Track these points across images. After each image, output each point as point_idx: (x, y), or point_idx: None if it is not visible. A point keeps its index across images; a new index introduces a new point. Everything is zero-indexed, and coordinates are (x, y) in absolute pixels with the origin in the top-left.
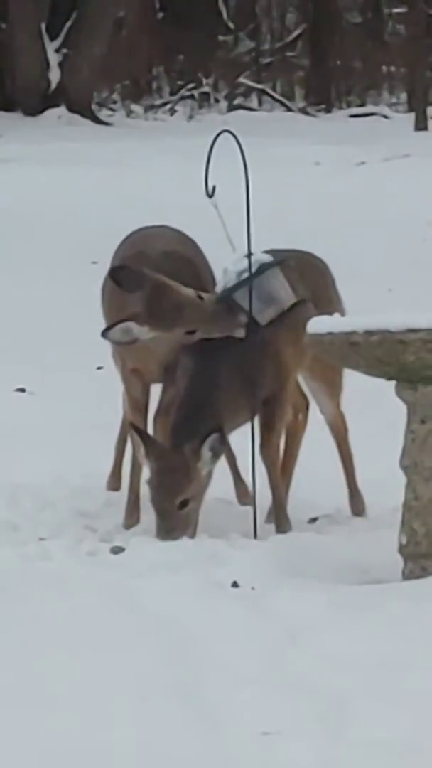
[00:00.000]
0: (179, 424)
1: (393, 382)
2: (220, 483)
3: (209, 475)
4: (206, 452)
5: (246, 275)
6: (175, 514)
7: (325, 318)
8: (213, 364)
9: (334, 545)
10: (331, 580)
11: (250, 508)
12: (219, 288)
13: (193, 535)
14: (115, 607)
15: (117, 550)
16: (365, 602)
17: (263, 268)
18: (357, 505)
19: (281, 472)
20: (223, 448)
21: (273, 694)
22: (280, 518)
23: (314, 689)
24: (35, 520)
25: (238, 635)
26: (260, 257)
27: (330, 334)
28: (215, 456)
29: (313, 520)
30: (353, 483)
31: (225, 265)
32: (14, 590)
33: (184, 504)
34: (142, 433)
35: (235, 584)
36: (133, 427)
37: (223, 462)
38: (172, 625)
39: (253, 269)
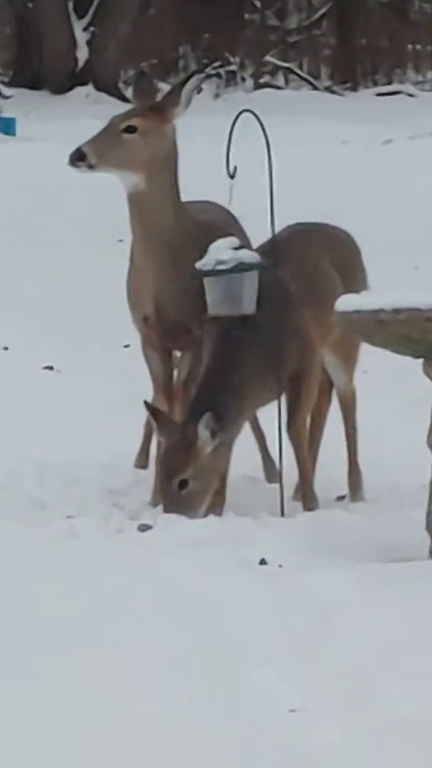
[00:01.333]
0: (197, 402)
1: (420, 360)
2: (247, 461)
3: (222, 454)
4: (203, 432)
5: (222, 267)
6: (175, 494)
7: (352, 296)
8: (235, 342)
9: (361, 523)
10: (359, 558)
11: (277, 486)
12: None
13: (220, 513)
14: (142, 585)
15: (144, 528)
16: (392, 580)
17: (251, 267)
18: (355, 481)
19: (308, 450)
20: (219, 426)
21: (300, 672)
22: (307, 496)
23: (341, 667)
24: (63, 498)
25: (265, 613)
26: (245, 256)
27: (357, 312)
28: (213, 435)
29: (341, 498)
30: (354, 458)
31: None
32: (42, 568)
33: (183, 484)
34: (154, 410)
35: (262, 562)
36: (146, 404)
37: (250, 439)
38: (200, 603)
39: (232, 264)
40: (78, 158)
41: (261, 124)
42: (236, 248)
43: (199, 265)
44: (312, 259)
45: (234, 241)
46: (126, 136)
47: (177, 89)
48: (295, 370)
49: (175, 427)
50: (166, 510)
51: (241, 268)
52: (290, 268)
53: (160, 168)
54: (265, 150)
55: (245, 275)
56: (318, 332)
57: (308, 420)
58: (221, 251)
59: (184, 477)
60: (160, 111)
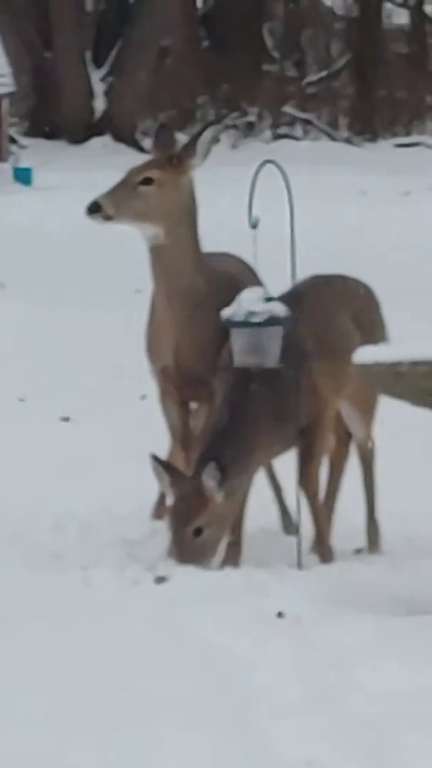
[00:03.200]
0: (205, 452)
1: None
2: (264, 513)
3: (234, 502)
4: (208, 481)
5: (254, 319)
6: (189, 543)
7: (371, 348)
8: (247, 392)
9: (378, 575)
10: (377, 610)
11: (294, 538)
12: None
13: (237, 565)
14: (158, 636)
15: (160, 580)
16: (411, 632)
17: (279, 321)
18: (373, 533)
19: (325, 502)
20: (223, 477)
21: (318, 724)
22: (321, 549)
23: (359, 720)
24: (78, 549)
25: (282, 665)
26: (276, 308)
27: (376, 364)
28: (219, 485)
29: (359, 551)
30: (372, 510)
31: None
32: (56, 619)
33: (198, 532)
34: (163, 462)
35: (280, 614)
36: (152, 457)
37: (267, 491)
38: (217, 655)
39: (265, 317)
40: (94, 210)
41: (284, 175)
42: (267, 300)
43: (227, 314)
44: (329, 313)
45: (264, 292)
46: (142, 188)
47: (193, 141)
48: (307, 423)
49: (184, 477)
50: (180, 560)
51: (271, 321)
52: (306, 321)
53: (179, 220)
54: (283, 200)
55: (272, 329)
56: (331, 385)
57: (324, 472)
58: (252, 302)
59: (198, 524)
60: (177, 163)
